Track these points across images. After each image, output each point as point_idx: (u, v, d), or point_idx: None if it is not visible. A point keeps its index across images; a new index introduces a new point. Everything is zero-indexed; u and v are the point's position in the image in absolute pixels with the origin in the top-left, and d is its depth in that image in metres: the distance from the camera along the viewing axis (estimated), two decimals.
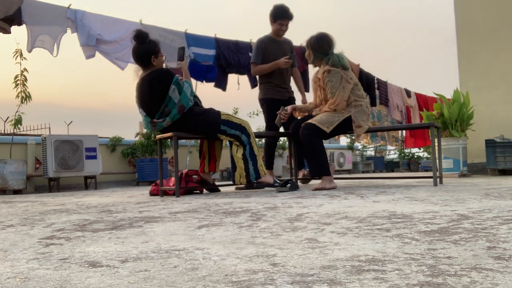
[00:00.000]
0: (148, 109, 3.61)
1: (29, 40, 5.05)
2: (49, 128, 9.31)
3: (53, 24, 5.16)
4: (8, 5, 4.72)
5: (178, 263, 1.04)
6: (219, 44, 6.62)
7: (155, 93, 3.51)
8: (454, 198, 2.38)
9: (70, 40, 5.42)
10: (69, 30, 5.34)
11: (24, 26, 5.01)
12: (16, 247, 1.35)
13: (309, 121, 3.78)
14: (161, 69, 3.61)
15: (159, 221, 1.87)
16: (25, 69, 5.66)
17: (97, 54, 5.57)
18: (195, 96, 3.78)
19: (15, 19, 4.83)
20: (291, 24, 4.66)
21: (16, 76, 5.63)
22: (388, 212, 1.85)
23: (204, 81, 6.61)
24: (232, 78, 6.92)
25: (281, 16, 4.49)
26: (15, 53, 5.62)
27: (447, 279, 0.81)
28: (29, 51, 5.11)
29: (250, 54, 6.94)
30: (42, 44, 5.11)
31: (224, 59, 6.65)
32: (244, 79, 6.98)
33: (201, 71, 6.54)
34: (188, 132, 3.67)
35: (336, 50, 3.96)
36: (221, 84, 6.78)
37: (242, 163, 3.69)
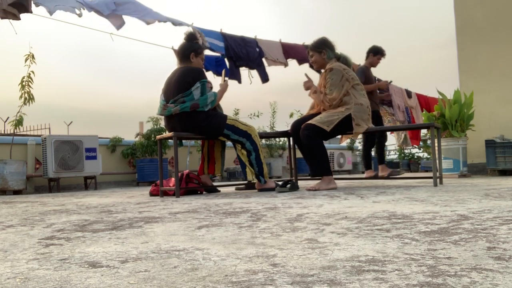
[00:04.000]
0: (168, 95, 3.73)
1: (47, 7, 4.80)
2: (49, 128, 9.32)
3: (66, 4, 5.05)
4: None
5: (178, 264, 1.04)
6: (226, 38, 6.60)
7: (180, 83, 3.64)
8: (454, 198, 2.38)
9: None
10: (84, 11, 5.21)
11: (33, 16, 4.89)
12: (16, 248, 1.35)
13: (309, 121, 3.78)
14: (197, 67, 3.78)
15: (159, 221, 1.87)
16: (32, 72, 5.69)
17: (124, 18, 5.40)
18: (219, 106, 3.94)
19: (24, 4, 4.74)
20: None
21: (23, 78, 5.65)
22: (388, 212, 1.85)
23: (215, 75, 6.56)
24: (243, 73, 6.83)
25: (381, 53, 5.70)
26: (26, 56, 5.63)
27: (447, 280, 0.81)
28: (51, 13, 4.82)
29: (257, 49, 6.91)
30: (61, 7, 4.94)
31: (233, 52, 6.60)
32: (254, 73, 6.91)
33: (211, 63, 6.51)
34: (190, 131, 3.68)
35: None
36: (235, 76, 6.69)
37: (249, 163, 3.75)
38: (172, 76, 3.76)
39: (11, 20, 4.73)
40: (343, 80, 3.81)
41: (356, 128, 3.80)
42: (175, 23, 5.83)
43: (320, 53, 3.98)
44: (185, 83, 3.62)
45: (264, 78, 6.89)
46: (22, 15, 4.80)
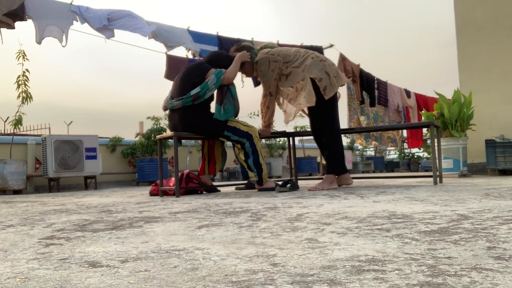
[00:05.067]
0: (173, 93, 3.75)
1: (37, 32, 4.89)
2: (49, 128, 9.31)
3: (59, 18, 5.09)
4: (11, 0, 4.69)
5: (178, 263, 1.04)
6: (222, 42, 6.58)
7: (185, 83, 3.65)
8: (454, 198, 2.38)
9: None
10: (77, 23, 5.26)
11: (28, 21, 4.93)
12: (16, 247, 1.35)
13: (311, 119, 3.79)
14: (201, 62, 3.78)
15: (159, 221, 1.87)
16: (27, 70, 5.68)
17: (116, 31, 5.46)
18: (235, 101, 3.76)
19: (19, 14, 4.78)
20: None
21: (18, 77, 5.64)
22: (388, 212, 1.85)
23: None
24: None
25: None
26: (18, 53, 5.62)
27: (447, 279, 0.81)
28: (39, 42, 4.92)
29: None
30: (50, 33, 5.01)
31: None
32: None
33: None
34: (191, 131, 3.68)
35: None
36: None
37: (247, 166, 3.74)
38: (179, 75, 3.79)
39: (2, 29, 4.78)
40: (271, 63, 3.71)
41: (322, 83, 3.56)
42: (167, 44, 5.83)
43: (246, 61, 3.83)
44: (189, 85, 3.62)
45: (257, 81, 6.88)
46: (16, 23, 4.85)
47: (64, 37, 5.11)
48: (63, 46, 5.12)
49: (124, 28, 5.43)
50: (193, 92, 3.57)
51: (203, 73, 3.63)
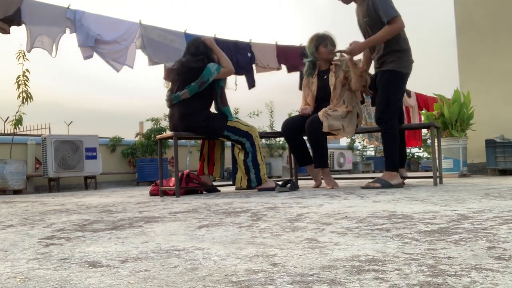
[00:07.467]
0: (174, 86, 3.74)
1: (29, 41, 5.01)
2: (49, 128, 9.30)
3: (52, 25, 5.12)
4: (7, 5, 4.71)
5: (178, 263, 1.04)
6: (218, 44, 6.57)
7: (185, 77, 3.65)
8: (454, 198, 2.38)
9: (71, 40, 5.38)
10: (68, 31, 5.31)
11: (23, 26, 4.99)
12: (16, 247, 1.35)
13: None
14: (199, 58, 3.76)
15: (159, 221, 1.87)
16: (27, 70, 5.67)
17: (95, 55, 5.52)
18: (228, 112, 3.76)
19: (14, 19, 4.81)
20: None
21: (18, 77, 5.64)
22: (388, 212, 1.85)
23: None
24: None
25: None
26: (18, 54, 5.62)
27: (447, 279, 0.81)
28: (28, 51, 5.06)
29: (249, 54, 6.87)
30: (41, 44, 5.07)
31: None
32: (242, 79, 6.92)
33: None
34: (190, 131, 3.67)
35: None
36: None
37: (244, 168, 3.70)
38: (175, 71, 3.77)
39: None
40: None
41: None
42: (152, 59, 5.84)
43: None
44: (190, 73, 3.62)
45: (251, 84, 6.86)
46: (12, 28, 4.88)
47: (54, 47, 5.17)
48: (53, 57, 5.18)
49: (102, 56, 5.49)
50: (194, 83, 3.59)
51: (203, 64, 3.64)
